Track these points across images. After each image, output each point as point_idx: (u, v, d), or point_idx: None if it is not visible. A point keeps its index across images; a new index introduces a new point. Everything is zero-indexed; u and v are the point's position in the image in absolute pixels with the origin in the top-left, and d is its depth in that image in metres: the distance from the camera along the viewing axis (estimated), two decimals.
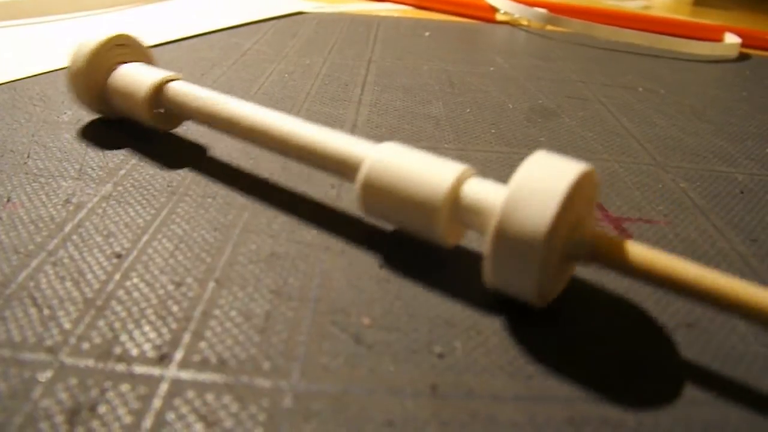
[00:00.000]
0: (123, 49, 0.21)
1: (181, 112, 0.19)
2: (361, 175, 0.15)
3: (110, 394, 0.11)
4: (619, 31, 0.41)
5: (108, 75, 0.21)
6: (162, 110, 0.20)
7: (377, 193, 0.15)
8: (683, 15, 0.58)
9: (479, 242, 0.16)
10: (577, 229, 0.13)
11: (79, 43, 0.21)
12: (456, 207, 0.14)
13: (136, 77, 0.20)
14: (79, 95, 0.21)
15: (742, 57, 0.42)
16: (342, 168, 0.16)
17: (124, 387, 0.11)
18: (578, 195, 0.13)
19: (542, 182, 0.12)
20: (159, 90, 0.20)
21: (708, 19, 0.56)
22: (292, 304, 0.14)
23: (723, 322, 0.14)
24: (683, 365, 0.13)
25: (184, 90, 0.19)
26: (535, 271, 0.12)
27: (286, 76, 0.29)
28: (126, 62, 0.21)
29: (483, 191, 0.14)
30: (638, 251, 0.12)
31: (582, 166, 0.13)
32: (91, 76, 0.21)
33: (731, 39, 0.46)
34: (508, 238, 0.12)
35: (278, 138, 0.17)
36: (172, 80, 0.20)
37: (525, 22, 0.47)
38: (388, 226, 0.17)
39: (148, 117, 0.20)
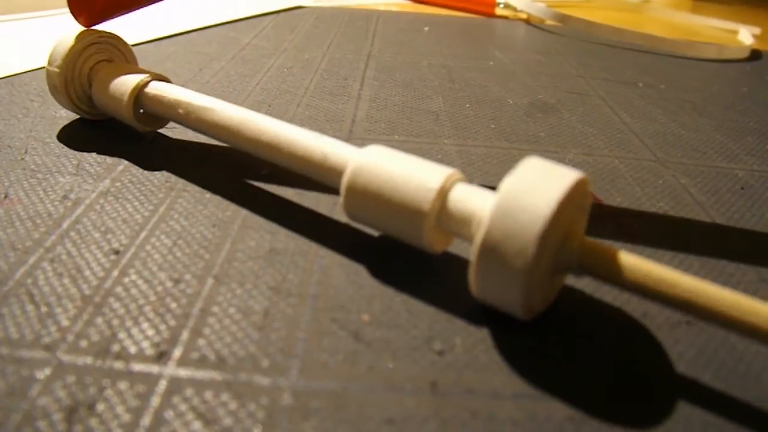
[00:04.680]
0: (97, 47, 0.21)
1: (162, 116, 0.19)
2: (343, 184, 0.14)
3: (108, 392, 0.11)
4: (622, 31, 0.40)
5: (87, 78, 0.20)
6: (142, 111, 0.20)
7: (361, 201, 0.14)
8: (684, 11, 0.58)
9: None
10: (567, 240, 0.13)
11: (50, 53, 0.20)
12: (442, 215, 0.13)
13: (115, 80, 0.19)
14: (62, 104, 0.21)
15: (755, 56, 0.40)
16: (326, 175, 0.15)
17: (123, 385, 0.11)
18: (568, 206, 0.12)
19: (530, 196, 0.12)
20: (139, 94, 0.19)
21: (708, 14, 0.56)
22: (291, 301, 0.13)
23: None
24: (683, 363, 0.12)
25: (162, 95, 0.19)
26: (521, 288, 0.12)
27: (285, 71, 0.29)
28: (105, 61, 0.21)
29: (469, 201, 0.13)
30: (629, 264, 0.12)
31: (573, 175, 0.12)
32: (69, 85, 0.20)
33: (744, 37, 0.45)
34: (493, 256, 0.12)
35: (262, 144, 0.16)
36: (152, 80, 0.19)
37: (524, 17, 0.47)
38: None
39: (133, 121, 0.19)
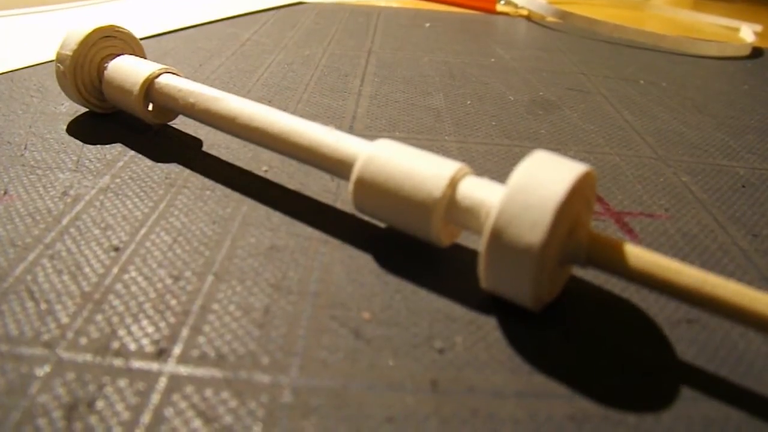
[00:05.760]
0: (110, 41, 0.21)
1: (172, 108, 0.19)
2: (354, 174, 0.15)
3: (108, 390, 0.11)
4: (623, 28, 0.40)
5: (96, 70, 0.21)
6: (151, 106, 0.20)
7: (370, 192, 0.14)
8: (685, 8, 0.58)
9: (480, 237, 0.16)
10: (574, 232, 0.13)
11: (63, 39, 0.20)
12: (451, 208, 0.14)
13: (126, 73, 0.19)
14: (67, 93, 0.21)
15: (756, 53, 0.40)
16: (336, 166, 0.15)
17: (122, 382, 0.11)
18: (576, 198, 0.12)
19: (538, 188, 0.12)
20: (150, 86, 0.19)
21: (710, 12, 0.55)
22: (291, 298, 0.13)
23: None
24: (684, 361, 0.12)
25: (174, 86, 0.19)
26: (530, 278, 0.12)
27: (286, 67, 0.29)
28: (115, 54, 0.21)
29: (479, 192, 0.13)
30: (636, 254, 0.12)
31: (580, 168, 0.12)
32: (78, 73, 0.20)
33: (746, 34, 0.45)
34: (502, 247, 0.12)
35: (271, 135, 0.17)
36: (162, 74, 0.19)
37: (525, 13, 0.47)
38: None
39: (143, 113, 0.20)
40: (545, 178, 0.12)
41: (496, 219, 0.12)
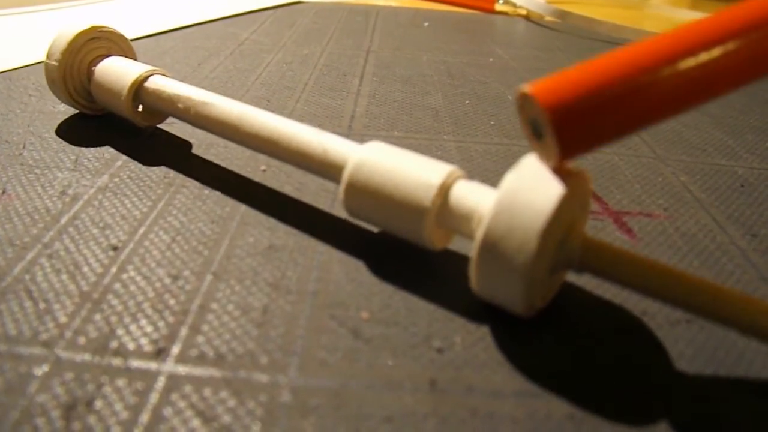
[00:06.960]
0: (97, 42, 0.20)
1: (161, 111, 0.19)
2: (344, 178, 0.14)
3: (107, 389, 0.11)
4: (622, 27, 0.40)
5: (86, 73, 0.20)
6: (141, 108, 0.20)
7: (361, 198, 0.14)
8: (683, 7, 0.58)
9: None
10: (569, 236, 0.12)
11: (48, 48, 0.20)
12: (443, 211, 0.13)
13: (112, 77, 0.19)
14: (60, 99, 0.21)
15: None
16: (326, 170, 0.15)
17: (121, 382, 0.11)
18: (570, 203, 0.12)
19: (532, 192, 0.12)
20: (139, 89, 0.19)
21: (708, 11, 0.55)
22: (290, 298, 0.13)
23: None
24: (683, 361, 0.12)
25: (162, 89, 0.18)
26: (520, 293, 0.12)
27: (284, 67, 0.29)
28: (104, 56, 0.20)
29: (471, 196, 0.13)
30: (630, 260, 0.12)
31: (569, 178, 0.12)
32: (68, 80, 0.20)
33: None
34: (494, 252, 0.12)
35: (262, 139, 0.16)
36: (150, 76, 0.19)
37: (524, 13, 0.47)
38: None
39: (133, 117, 0.19)
40: (537, 185, 0.12)
41: (486, 231, 0.12)
